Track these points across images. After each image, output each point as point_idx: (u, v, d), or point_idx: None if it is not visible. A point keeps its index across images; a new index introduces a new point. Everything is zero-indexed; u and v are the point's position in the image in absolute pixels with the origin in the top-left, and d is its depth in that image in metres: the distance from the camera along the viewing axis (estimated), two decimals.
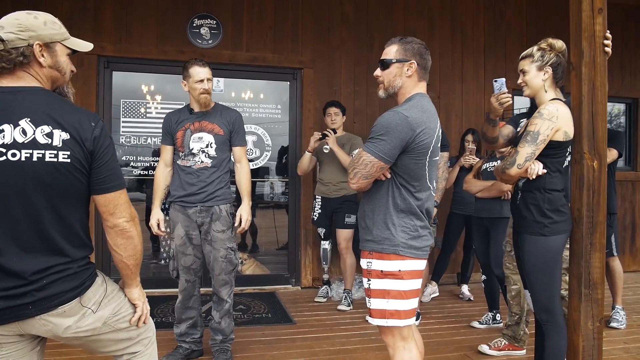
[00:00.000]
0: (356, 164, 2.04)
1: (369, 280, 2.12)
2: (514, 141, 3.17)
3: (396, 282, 2.06)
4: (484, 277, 3.83)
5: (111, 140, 1.60)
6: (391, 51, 2.16)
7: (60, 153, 1.49)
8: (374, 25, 5.19)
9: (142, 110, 4.85)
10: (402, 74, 2.13)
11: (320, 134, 4.24)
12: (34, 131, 1.48)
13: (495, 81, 2.83)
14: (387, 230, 2.07)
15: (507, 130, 3.13)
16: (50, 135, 1.48)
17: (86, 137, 1.52)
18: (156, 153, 4.86)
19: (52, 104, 1.54)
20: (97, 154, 1.54)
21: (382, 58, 2.18)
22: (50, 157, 1.48)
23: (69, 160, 1.50)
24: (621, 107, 6.21)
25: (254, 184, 4.89)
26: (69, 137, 1.50)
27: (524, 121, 3.13)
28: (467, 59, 5.43)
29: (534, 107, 3.07)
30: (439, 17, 5.37)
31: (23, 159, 1.46)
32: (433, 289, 4.71)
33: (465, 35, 5.45)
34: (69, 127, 1.51)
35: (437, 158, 2.16)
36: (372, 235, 2.11)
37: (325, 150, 4.34)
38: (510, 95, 2.80)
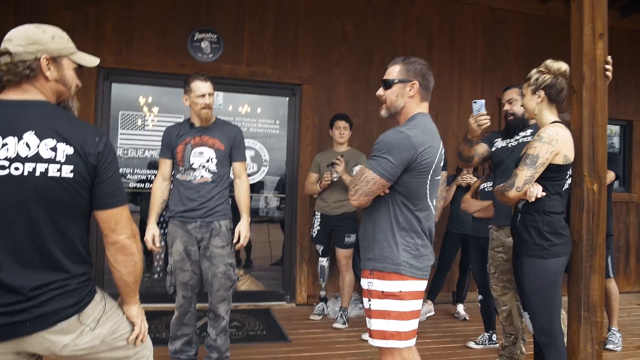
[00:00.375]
0: (358, 181, 2.04)
1: (369, 300, 2.10)
2: (487, 159, 3.21)
3: (397, 303, 2.05)
4: (480, 297, 3.82)
5: (115, 155, 1.59)
6: (394, 71, 2.17)
7: (64, 167, 1.48)
8: (374, 44, 5.23)
9: (140, 122, 4.84)
10: (405, 94, 2.14)
11: (328, 178, 4.23)
12: (38, 145, 1.47)
13: (475, 102, 2.86)
14: (388, 248, 2.07)
15: (481, 149, 3.16)
16: (54, 149, 1.47)
17: (90, 152, 1.51)
18: (152, 165, 4.84)
19: (56, 117, 1.54)
20: (100, 169, 1.53)
21: (384, 78, 2.20)
22: (53, 172, 1.46)
23: (72, 175, 1.48)
24: (614, 128, 6.27)
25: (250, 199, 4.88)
26: (73, 151, 1.49)
27: (498, 141, 3.17)
28: (465, 78, 5.48)
29: (509, 128, 3.12)
30: (438, 37, 5.43)
31: (26, 173, 1.45)
32: (429, 308, 4.69)
33: (463, 55, 5.50)
34: (73, 141, 1.50)
35: (439, 177, 2.17)
36: (374, 253, 2.10)
37: (334, 179, 4.26)
38: (488, 117, 2.83)
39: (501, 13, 5.59)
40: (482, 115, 2.81)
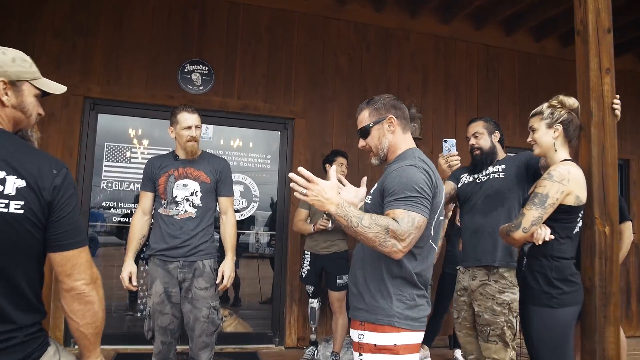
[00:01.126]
0: (410, 228, 1.74)
1: (360, 354, 1.88)
2: (455, 198, 3.04)
3: (391, 358, 1.82)
4: None
5: (74, 190, 1.39)
6: (364, 117, 2.04)
7: (13, 203, 1.27)
8: (368, 79, 5.12)
9: (127, 154, 4.64)
10: (385, 132, 2.00)
11: (324, 225, 4.00)
12: None
13: (445, 141, 2.71)
14: (381, 298, 1.85)
15: (448, 187, 2.99)
16: (2, 181, 1.27)
17: (44, 186, 1.31)
18: (138, 199, 4.61)
19: (10, 147, 1.34)
20: (55, 205, 1.33)
21: (359, 128, 2.06)
22: None
23: (22, 212, 1.28)
24: None
25: (239, 234, 4.65)
26: (24, 184, 1.29)
27: (464, 176, 3.00)
28: (461, 114, 5.36)
29: (476, 163, 2.95)
30: (433, 73, 5.34)
31: None
32: (425, 354, 4.40)
33: (458, 92, 5.40)
34: (26, 173, 1.30)
35: (443, 218, 1.98)
36: (365, 303, 1.89)
37: (329, 228, 4.03)
38: (459, 157, 2.67)
39: (496, 50, 5.53)
40: (453, 155, 2.65)
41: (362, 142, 2.07)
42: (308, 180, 1.81)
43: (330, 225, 3.98)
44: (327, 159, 4.33)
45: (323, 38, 5.04)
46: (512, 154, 3.07)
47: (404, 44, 5.27)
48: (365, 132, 2.04)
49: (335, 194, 1.82)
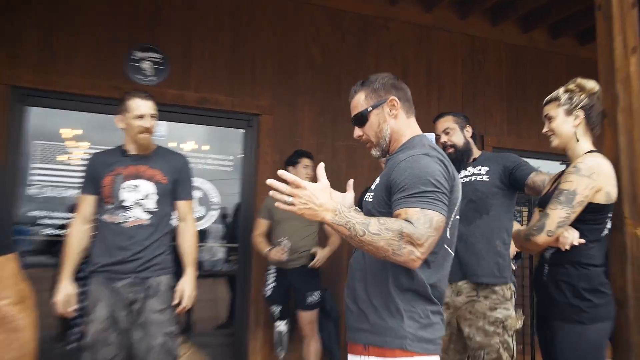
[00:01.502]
0: (428, 230, 1.53)
1: None
2: None
3: None
4: None
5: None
6: (360, 101, 1.84)
7: None
8: (343, 71, 4.95)
9: (61, 155, 4.28)
10: (386, 117, 1.81)
11: (279, 256, 3.81)
12: None
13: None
14: (390, 317, 1.64)
15: None
16: None
17: None
18: (74, 208, 4.26)
19: None
20: None
21: (354, 114, 1.85)
22: None
23: None
24: None
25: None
26: None
27: None
28: (444, 109, 5.25)
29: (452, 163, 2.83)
30: (414, 64, 5.23)
31: None
32: None
33: (441, 84, 5.32)
34: None
35: (459, 217, 1.78)
36: (369, 322, 1.67)
37: (284, 259, 3.84)
38: None
39: (481, 41, 5.48)
40: None
41: (357, 131, 1.87)
42: (293, 186, 1.56)
43: (285, 257, 3.77)
44: (290, 160, 4.16)
45: (294, 25, 4.84)
46: (487, 152, 2.98)
47: (382, 33, 5.13)
48: (361, 119, 1.83)
49: (328, 198, 1.58)
